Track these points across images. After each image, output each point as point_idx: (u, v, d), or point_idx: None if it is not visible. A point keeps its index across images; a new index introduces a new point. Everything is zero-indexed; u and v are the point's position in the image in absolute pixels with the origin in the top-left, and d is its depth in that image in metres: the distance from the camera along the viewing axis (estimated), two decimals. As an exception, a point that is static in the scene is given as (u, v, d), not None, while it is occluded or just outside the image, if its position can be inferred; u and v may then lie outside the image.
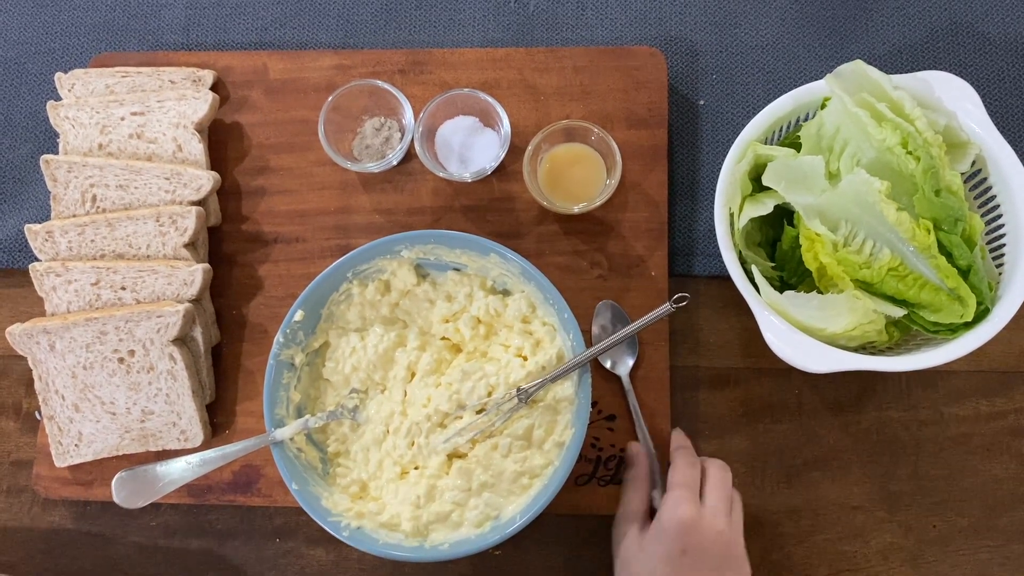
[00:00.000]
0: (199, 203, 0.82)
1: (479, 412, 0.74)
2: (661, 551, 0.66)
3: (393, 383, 0.76)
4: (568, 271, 0.81)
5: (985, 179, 0.72)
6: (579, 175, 0.80)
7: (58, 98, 0.86)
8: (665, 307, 0.62)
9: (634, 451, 0.75)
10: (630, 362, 0.78)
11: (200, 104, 0.83)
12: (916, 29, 0.86)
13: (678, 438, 0.75)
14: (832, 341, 0.69)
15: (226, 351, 0.83)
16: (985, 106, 0.71)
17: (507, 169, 0.83)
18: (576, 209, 0.79)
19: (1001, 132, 0.70)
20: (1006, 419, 0.79)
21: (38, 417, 0.83)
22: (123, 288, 0.79)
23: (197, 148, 0.83)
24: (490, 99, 0.80)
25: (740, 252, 0.72)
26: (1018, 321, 0.66)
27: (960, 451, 0.79)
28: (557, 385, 0.74)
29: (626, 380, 0.77)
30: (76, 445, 0.80)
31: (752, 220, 0.72)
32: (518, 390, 0.71)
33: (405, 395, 0.75)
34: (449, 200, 0.84)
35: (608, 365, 0.78)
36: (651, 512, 0.72)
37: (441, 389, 0.73)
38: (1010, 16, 0.86)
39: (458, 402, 0.73)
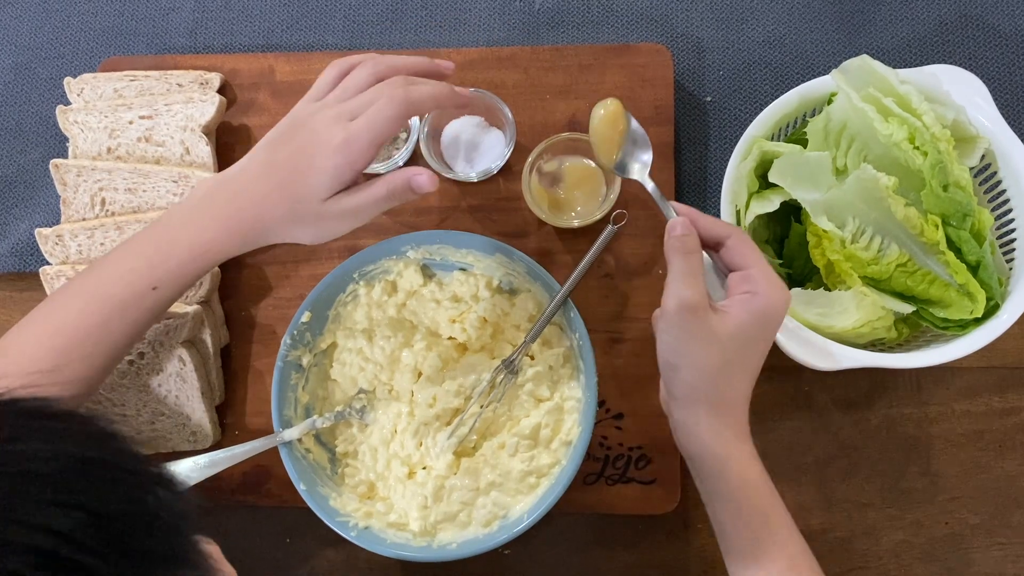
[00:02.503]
0: (207, 205, 0.82)
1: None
2: (766, 335, 0.60)
3: (400, 383, 0.76)
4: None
5: (995, 173, 0.71)
6: (577, 189, 0.80)
7: (67, 102, 0.87)
8: (609, 228, 0.67)
9: (678, 224, 0.61)
10: (645, 158, 0.69)
11: (207, 107, 0.84)
12: (924, 23, 0.85)
13: (718, 228, 0.62)
14: (841, 338, 0.68)
15: (235, 352, 0.83)
16: (994, 100, 0.70)
17: (513, 169, 0.83)
18: (576, 224, 0.78)
19: (1011, 126, 0.70)
20: (1018, 415, 0.79)
21: (50, 419, 0.84)
22: (132, 291, 0.80)
23: (205, 151, 0.83)
24: (495, 98, 0.80)
25: (747, 249, 0.71)
26: (1029, 316, 0.66)
27: (972, 448, 0.78)
28: (564, 384, 0.74)
29: (645, 181, 0.68)
30: (87, 447, 0.80)
31: (759, 217, 0.72)
32: (503, 361, 0.71)
33: (412, 395, 0.75)
34: (455, 200, 0.84)
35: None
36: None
37: (447, 384, 0.74)
38: (1019, 9, 0.85)
39: (464, 395, 0.73)
